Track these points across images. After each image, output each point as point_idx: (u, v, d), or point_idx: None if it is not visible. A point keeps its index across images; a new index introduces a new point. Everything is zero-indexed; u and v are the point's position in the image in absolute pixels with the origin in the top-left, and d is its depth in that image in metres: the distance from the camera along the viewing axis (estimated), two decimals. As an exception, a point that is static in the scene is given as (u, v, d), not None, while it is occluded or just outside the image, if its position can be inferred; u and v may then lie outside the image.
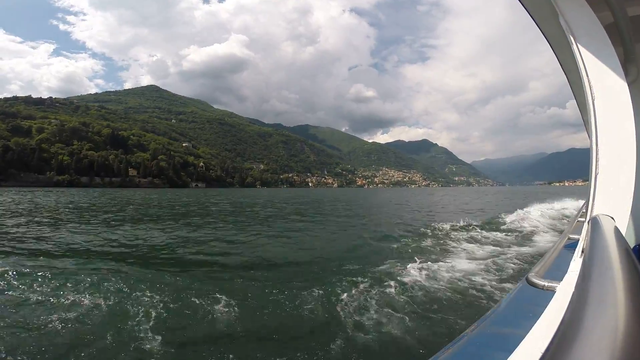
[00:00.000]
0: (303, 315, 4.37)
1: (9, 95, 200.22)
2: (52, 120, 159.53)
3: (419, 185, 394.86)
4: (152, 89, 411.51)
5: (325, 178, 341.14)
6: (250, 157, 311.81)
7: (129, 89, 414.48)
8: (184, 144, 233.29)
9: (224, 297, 4.70)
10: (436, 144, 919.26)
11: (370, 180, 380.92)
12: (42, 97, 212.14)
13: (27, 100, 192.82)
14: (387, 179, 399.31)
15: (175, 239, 10.41)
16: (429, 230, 10.65)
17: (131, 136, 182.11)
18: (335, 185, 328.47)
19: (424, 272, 5.79)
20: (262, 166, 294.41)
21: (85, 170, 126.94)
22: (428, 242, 8.95)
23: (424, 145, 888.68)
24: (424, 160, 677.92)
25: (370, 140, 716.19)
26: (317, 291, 4.97)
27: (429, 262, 6.42)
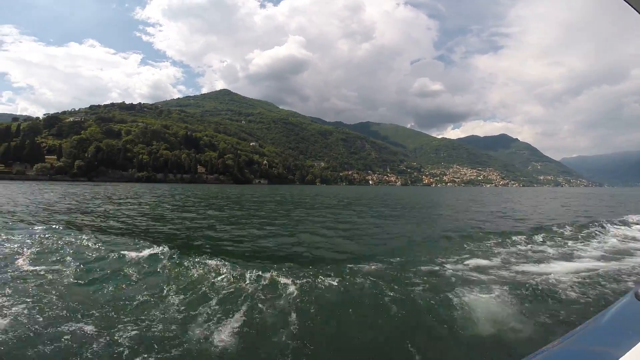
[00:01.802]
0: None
1: (108, 102, 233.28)
2: (139, 124, 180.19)
3: (495, 185, 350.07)
4: (224, 93, 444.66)
5: (388, 176, 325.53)
6: (311, 155, 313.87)
7: (205, 94, 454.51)
8: (251, 144, 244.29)
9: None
10: (517, 139, 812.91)
11: (438, 178, 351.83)
12: (134, 103, 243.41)
13: (121, 106, 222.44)
14: (458, 178, 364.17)
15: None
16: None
17: (204, 137, 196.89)
18: (399, 183, 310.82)
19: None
20: (322, 164, 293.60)
21: (161, 168, 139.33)
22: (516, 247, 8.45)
23: (502, 141, 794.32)
24: (502, 157, 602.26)
25: (439, 136, 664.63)
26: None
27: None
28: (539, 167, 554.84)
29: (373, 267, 6.04)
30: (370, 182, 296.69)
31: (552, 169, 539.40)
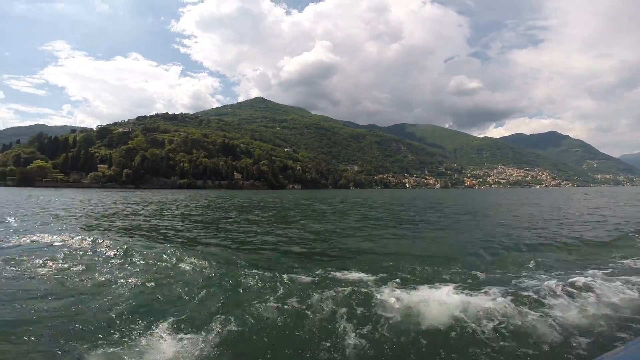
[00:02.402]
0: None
1: (153, 113, 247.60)
2: (181, 133, 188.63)
3: (546, 185, 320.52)
4: (258, 101, 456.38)
5: (426, 178, 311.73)
6: (344, 159, 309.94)
7: (241, 102, 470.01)
8: (285, 149, 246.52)
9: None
10: (568, 136, 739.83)
11: (481, 180, 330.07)
12: (176, 113, 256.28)
13: (165, 117, 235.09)
14: (503, 179, 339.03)
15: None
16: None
17: (241, 144, 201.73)
18: (438, 185, 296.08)
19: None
20: (355, 167, 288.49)
21: (200, 175, 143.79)
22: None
23: (552, 138, 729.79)
24: (552, 155, 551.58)
25: (480, 135, 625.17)
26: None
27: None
28: (594, 165, 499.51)
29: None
30: (407, 185, 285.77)
31: (611, 167, 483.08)
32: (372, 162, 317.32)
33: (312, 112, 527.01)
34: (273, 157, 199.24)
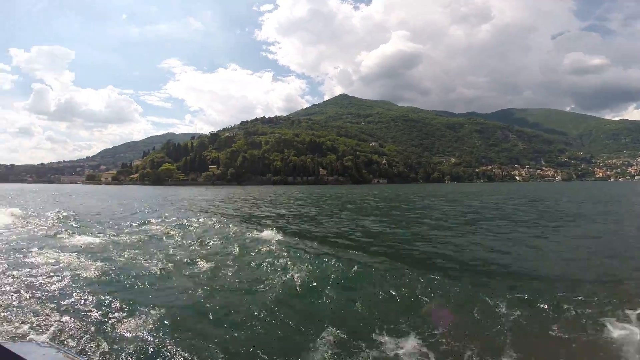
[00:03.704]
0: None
1: (253, 118, 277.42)
2: (276, 134, 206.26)
3: None
4: (342, 97, 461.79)
5: (542, 169, 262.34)
6: (438, 151, 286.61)
7: (327, 100, 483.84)
8: (371, 144, 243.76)
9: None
10: None
11: (619, 170, 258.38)
12: (272, 116, 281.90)
13: (262, 120, 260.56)
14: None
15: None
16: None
17: (327, 141, 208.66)
18: (559, 177, 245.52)
19: None
20: (452, 159, 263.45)
21: (290, 172, 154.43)
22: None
23: None
24: None
25: (615, 118, 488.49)
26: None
27: None
28: None
29: None
30: (517, 177, 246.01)
31: None
32: (472, 153, 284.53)
33: (399, 105, 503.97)
34: (357, 152, 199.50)
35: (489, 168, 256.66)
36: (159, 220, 14.18)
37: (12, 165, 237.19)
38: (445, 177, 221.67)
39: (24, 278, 5.69)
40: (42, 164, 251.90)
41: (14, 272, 5.99)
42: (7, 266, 6.47)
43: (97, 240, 9.33)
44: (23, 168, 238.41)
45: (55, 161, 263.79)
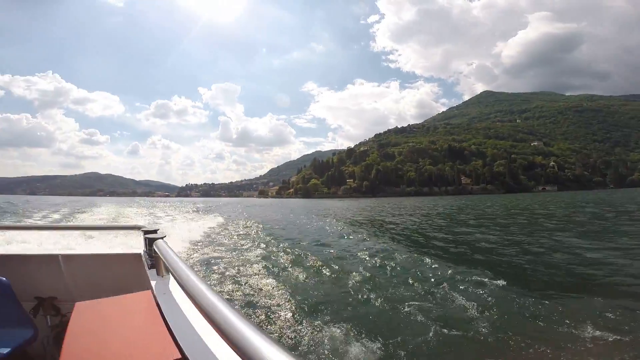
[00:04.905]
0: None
1: (386, 129, 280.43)
2: (410, 144, 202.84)
3: None
4: (486, 95, 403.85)
5: None
6: (636, 146, 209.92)
7: (466, 101, 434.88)
8: (532, 144, 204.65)
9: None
10: None
11: None
12: (405, 125, 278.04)
13: (395, 131, 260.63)
14: None
15: None
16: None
17: (471, 146, 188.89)
18: None
19: None
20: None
21: (426, 182, 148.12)
22: None
23: None
24: None
25: None
26: None
27: None
28: None
29: None
30: None
31: None
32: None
33: (567, 94, 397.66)
34: (513, 155, 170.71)
35: None
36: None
37: (213, 184, 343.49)
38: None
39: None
40: (231, 182, 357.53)
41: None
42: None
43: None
44: (219, 186, 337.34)
45: (239, 179, 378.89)
